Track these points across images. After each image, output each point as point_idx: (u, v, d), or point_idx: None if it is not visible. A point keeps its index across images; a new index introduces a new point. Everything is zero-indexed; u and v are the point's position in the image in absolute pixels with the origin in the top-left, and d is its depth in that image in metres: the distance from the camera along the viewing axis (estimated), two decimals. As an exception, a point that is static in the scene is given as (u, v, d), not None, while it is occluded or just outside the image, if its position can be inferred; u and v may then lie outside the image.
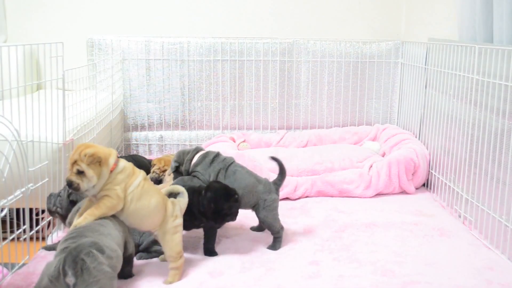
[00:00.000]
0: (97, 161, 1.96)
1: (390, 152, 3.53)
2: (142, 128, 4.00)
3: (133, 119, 3.98)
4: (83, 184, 1.96)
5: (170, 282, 2.14)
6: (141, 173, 2.13)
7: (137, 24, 4.02)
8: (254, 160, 3.24)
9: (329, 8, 4.17)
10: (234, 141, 3.78)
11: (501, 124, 2.47)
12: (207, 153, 2.60)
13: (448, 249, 2.48)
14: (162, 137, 4.01)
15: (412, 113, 3.75)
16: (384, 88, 4.12)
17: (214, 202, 2.28)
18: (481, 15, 2.83)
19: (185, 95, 3.98)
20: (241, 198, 2.37)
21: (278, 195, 2.51)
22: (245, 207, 2.47)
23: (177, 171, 2.62)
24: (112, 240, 1.92)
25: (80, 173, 1.95)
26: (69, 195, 2.26)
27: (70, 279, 1.75)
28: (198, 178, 2.52)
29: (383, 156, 3.59)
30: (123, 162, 2.07)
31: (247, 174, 2.51)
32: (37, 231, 2.41)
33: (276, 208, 2.48)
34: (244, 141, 3.83)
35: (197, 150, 2.63)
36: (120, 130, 3.87)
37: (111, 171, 2.01)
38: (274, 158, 2.53)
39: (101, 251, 1.80)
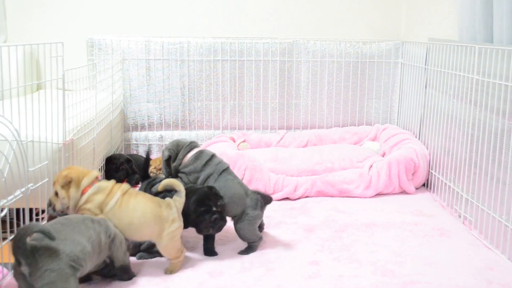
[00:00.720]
0: (69, 182, 2.07)
1: (390, 152, 3.53)
2: (142, 128, 4.00)
3: (133, 119, 3.98)
4: (58, 205, 2.10)
5: (171, 271, 2.19)
6: (120, 189, 2.15)
7: (137, 24, 4.02)
8: (254, 160, 3.24)
9: (329, 8, 4.17)
10: (234, 141, 3.78)
11: (501, 124, 2.47)
12: (200, 154, 2.52)
13: (448, 249, 2.48)
14: (162, 137, 4.01)
15: (412, 113, 3.75)
16: (384, 88, 4.12)
17: (187, 209, 2.28)
18: (481, 15, 2.83)
19: (185, 95, 3.98)
20: (225, 206, 2.36)
21: (262, 212, 2.47)
22: (227, 215, 2.44)
23: (167, 163, 2.53)
24: (79, 233, 1.88)
25: (57, 194, 2.10)
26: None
27: (24, 268, 1.70)
28: (181, 179, 2.49)
29: (383, 156, 3.59)
30: (100, 183, 2.13)
31: (238, 185, 2.48)
32: (37, 231, 2.41)
33: (255, 224, 2.43)
34: (244, 141, 3.83)
35: (192, 146, 2.55)
36: (120, 130, 3.87)
37: (84, 193, 2.09)
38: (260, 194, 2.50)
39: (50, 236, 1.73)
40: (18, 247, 1.68)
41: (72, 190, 2.08)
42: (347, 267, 2.29)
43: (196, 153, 2.53)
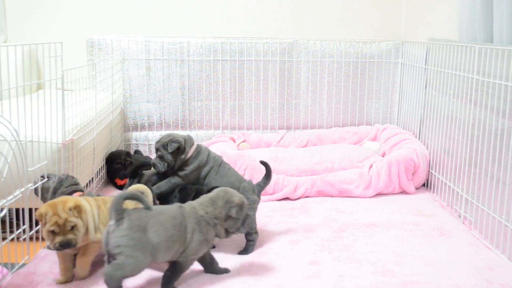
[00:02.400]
0: (79, 210, 2.02)
1: (390, 152, 3.52)
2: (142, 128, 4.00)
3: (133, 119, 3.98)
4: (78, 239, 2.01)
5: None
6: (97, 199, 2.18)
7: (137, 24, 4.02)
8: (254, 160, 3.24)
9: (329, 8, 4.17)
10: (234, 141, 3.77)
11: (501, 124, 2.47)
12: (200, 149, 2.54)
13: (448, 249, 2.48)
14: (162, 137, 4.01)
15: (412, 113, 3.75)
16: (384, 88, 4.12)
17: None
18: (481, 15, 2.83)
19: (185, 95, 3.98)
20: None
21: (259, 197, 2.51)
22: None
23: (174, 154, 2.45)
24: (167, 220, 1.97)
25: (73, 228, 1.99)
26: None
27: (111, 224, 1.88)
28: (179, 176, 2.48)
29: (383, 156, 3.59)
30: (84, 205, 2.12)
31: (234, 172, 2.58)
32: (37, 231, 2.41)
33: (255, 209, 2.47)
34: (244, 141, 3.83)
35: (192, 141, 2.55)
36: (120, 130, 3.87)
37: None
38: (263, 163, 2.52)
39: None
40: (113, 204, 1.87)
41: (83, 216, 2.04)
42: (347, 267, 2.29)
43: (197, 148, 2.55)
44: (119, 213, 1.86)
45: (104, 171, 3.34)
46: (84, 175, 2.82)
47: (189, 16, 4.06)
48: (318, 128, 4.10)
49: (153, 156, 3.96)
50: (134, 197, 1.92)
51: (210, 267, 2.18)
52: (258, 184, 2.51)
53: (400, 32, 4.24)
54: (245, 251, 2.43)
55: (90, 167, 2.94)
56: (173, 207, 2.03)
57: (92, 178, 3.08)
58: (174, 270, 2.05)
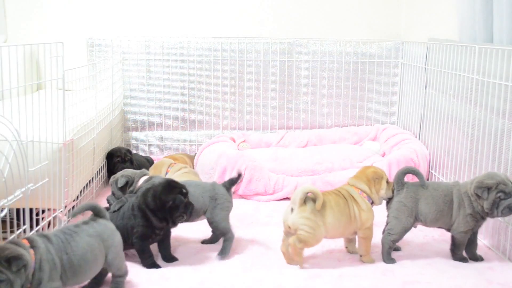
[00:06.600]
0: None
1: (390, 152, 3.53)
2: (142, 128, 4.00)
3: (133, 119, 3.99)
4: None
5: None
6: None
7: (137, 24, 4.02)
8: (254, 160, 3.24)
9: (329, 8, 4.17)
10: (234, 141, 3.77)
11: (501, 124, 2.47)
12: (152, 177, 2.49)
13: (448, 249, 2.48)
14: (162, 137, 4.01)
15: (412, 113, 3.75)
16: (384, 88, 4.12)
17: (154, 204, 2.21)
18: (481, 15, 2.83)
19: (185, 95, 3.98)
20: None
21: (231, 196, 2.47)
22: (198, 216, 2.42)
23: (123, 189, 2.71)
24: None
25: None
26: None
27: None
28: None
29: (383, 156, 3.59)
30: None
31: (199, 182, 2.56)
32: (37, 231, 2.41)
33: (227, 209, 2.43)
34: (244, 141, 3.83)
35: (143, 173, 2.76)
36: (120, 130, 3.87)
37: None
38: (239, 174, 2.51)
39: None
40: (395, 178, 2.41)
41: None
42: (347, 267, 2.29)
43: (148, 177, 2.51)
44: (399, 185, 2.37)
45: (104, 170, 3.35)
46: (84, 175, 2.82)
47: (189, 16, 4.06)
48: (318, 128, 4.11)
49: (153, 156, 3.97)
50: (413, 171, 2.40)
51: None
52: (224, 185, 2.47)
53: (400, 32, 4.24)
54: (224, 251, 2.37)
55: (90, 167, 2.94)
56: (449, 186, 2.37)
57: (92, 178, 3.08)
58: (454, 244, 2.38)
